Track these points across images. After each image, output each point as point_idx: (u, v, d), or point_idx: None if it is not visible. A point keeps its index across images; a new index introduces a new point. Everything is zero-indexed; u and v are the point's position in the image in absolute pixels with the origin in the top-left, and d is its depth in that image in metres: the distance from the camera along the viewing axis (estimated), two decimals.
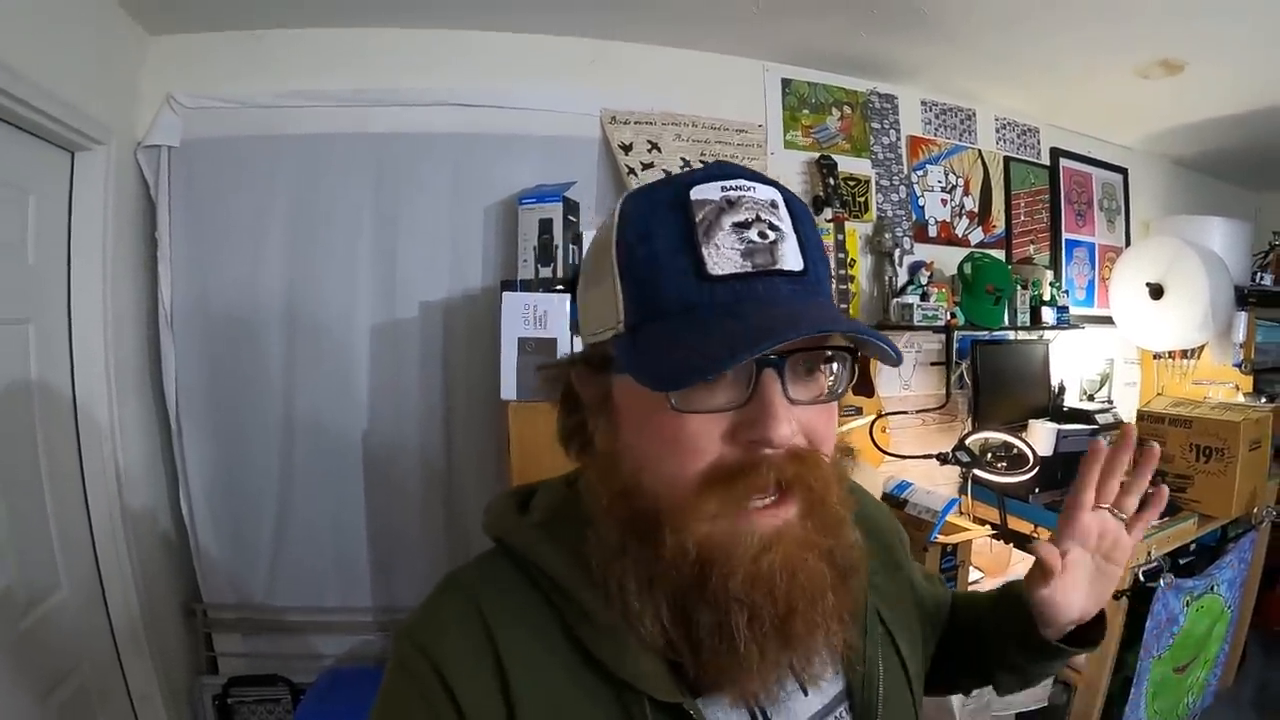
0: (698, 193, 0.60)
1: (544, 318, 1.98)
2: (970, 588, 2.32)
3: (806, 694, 0.68)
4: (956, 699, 2.11)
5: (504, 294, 2.02)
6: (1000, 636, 0.86)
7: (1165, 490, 0.80)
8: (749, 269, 0.57)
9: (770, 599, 0.57)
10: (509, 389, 1.97)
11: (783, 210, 0.61)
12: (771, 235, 0.59)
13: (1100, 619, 0.82)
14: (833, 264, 2.61)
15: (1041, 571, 0.78)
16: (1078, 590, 0.79)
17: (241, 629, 2.44)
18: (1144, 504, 0.80)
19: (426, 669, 0.62)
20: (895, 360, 0.61)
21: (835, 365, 0.62)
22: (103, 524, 2.08)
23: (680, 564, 0.58)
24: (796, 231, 0.61)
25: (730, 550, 0.57)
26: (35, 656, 1.80)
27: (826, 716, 0.70)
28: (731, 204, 0.59)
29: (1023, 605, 0.81)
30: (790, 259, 0.59)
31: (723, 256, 0.57)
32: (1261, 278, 3.77)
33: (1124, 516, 0.79)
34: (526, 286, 2.12)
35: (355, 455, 2.45)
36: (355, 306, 2.40)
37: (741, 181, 0.61)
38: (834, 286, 2.50)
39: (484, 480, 2.45)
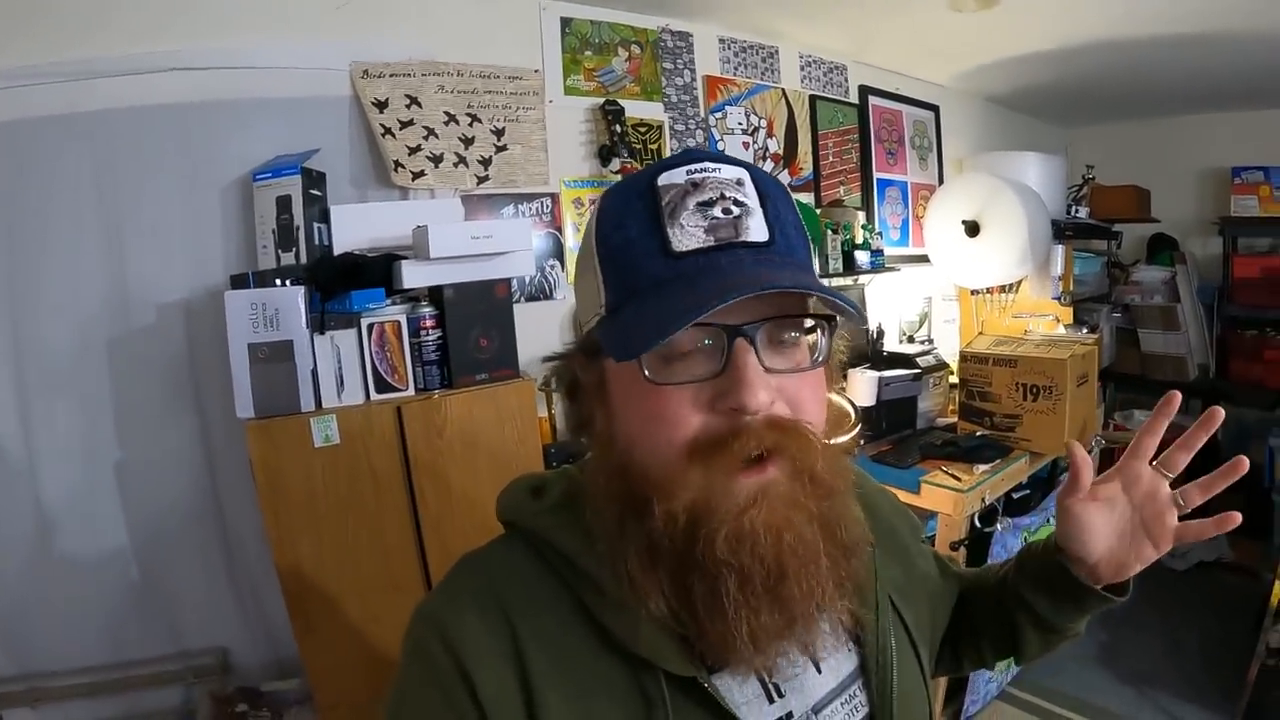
0: (664, 179, 0.64)
1: (275, 317, 1.68)
2: None
3: (820, 671, 0.70)
4: None
5: (228, 294, 1.71)
6: (1026, 588, 0.87)
7: (1243, 461, 0.75)
8: (711, 243, 0.61)
9: (757, 559, 0.58)
10: (244, 406, 1.70)
11: (749, 187, 0.64)
12: (736, 210, 0.62)
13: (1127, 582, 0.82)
14: None
15: (1071, 477, 0.80)
16: (1104, 525, 0.79)
17: (32, 700, 2.11)
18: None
19: (442, 652, 0.64)
20: (860, 320, 0.64)
21: (817, 335, 0.64)
22: None
23: (673, 532, 0.59)
24: (763, 206, 0.64)
25: (715, 509, 0.58)
26: None
27: (840, 694, 0.72)
28: (696, 185, 0.63)
29: (1049, 552, 0.84)
30: (755, 231, 0.62)
31: (686, 234, 0.61)
32: (1076, 211, 3.90)
33: (1168, 474, 0.78)
34: (262, 279, 1.80)
35: (110, 489, 2.14)
36: (87, 318, 2.05)
37: (706, 164, 0.64)
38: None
39: (256, 504, 2.11)
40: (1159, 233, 4.54)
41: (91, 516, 2.12)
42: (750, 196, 0.63)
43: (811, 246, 0.70)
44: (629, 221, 0.64)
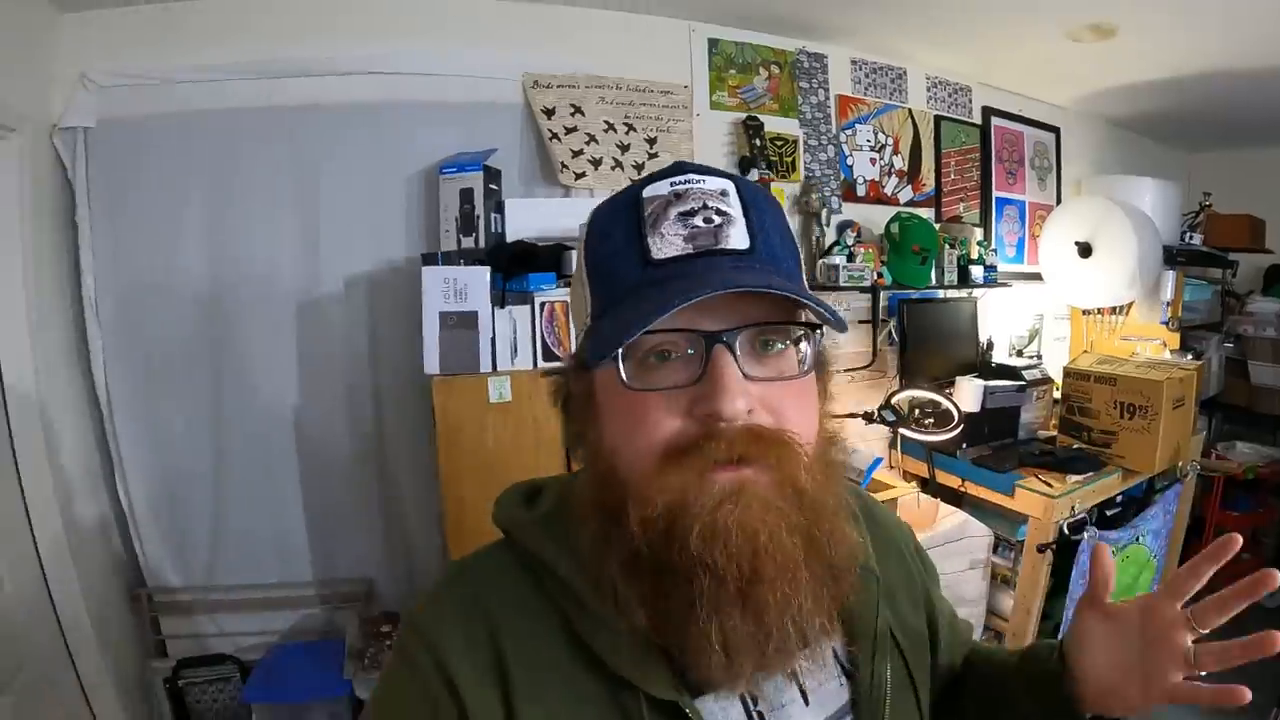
0: (649, 191, 0.64)
1: (464, 291, 1.97)
2: None
3: (808, 704, 0.68)
4: None
5: (424, 269, 2.00)
6: (1019, 684, 0.80)
7: (1274, 575, 0.62)
8: (690, 250, 0.61)
9: (729, 558, 0.56)
10: (432, 363, 1.98)
11: (733, 198, 0.64)
12: (717, 220, 0.62)
13: None
14: None
15: (1090, 585, 0.73)
16: (1105, 645, 0.71)
17: (187, 610, 2.43)
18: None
19: (429, 661, 0.64)
20: (839, 326, 0.64)
21: (803, 345, 0.63)
22: (41, 518, 2.06)
23: (651, 537, 0.58)
24: (746, 215, 0.63)
25: (689, 506, 0.57)
26: None
27: None
28: (679, 196, 0.63)
29: (1051, 663, 0.76)
30: (735, 239, 0.62)
31: (666, 242, 0.61)
32: (1190, 237, 3.87)
33: (1197, 629, 0.65)
34: (448, 259, 2.10)
35: (287, 433, 2.45)
36: (279, 283, 2.37)
37: (691, 176, 0.64)
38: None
39: (415, 453, 2.45)
40: (1277, 264, 4.44)
41: (267, 456, 2.44)
42: (733, 206, 0.63)
43: (802, 256, 0.71)
44: (614, 232, 0.64)
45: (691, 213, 0.62)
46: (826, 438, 0.67)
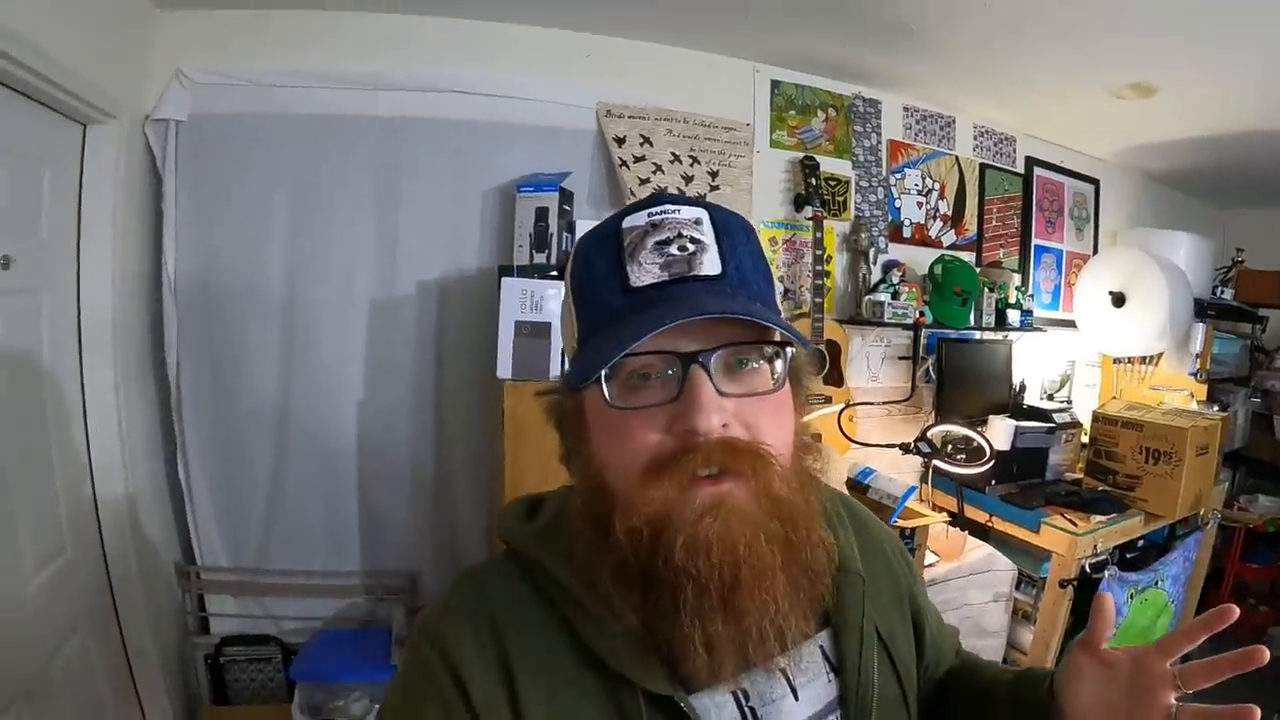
0: (628, 222, 0.69)
1: (540, 303, 2.08)
2: (926, 571, 2.47)
3: (798, 699, 0.72)
4: None
5: (503, 280, 2.10)
6: (1009, 709, 0.82)
7: (1261, 651, 0.63)
8: (665, 277, 0.65)
9: (712, 568, 0.60)
10: (505, 368, 2.07)
11: (706, 225, 0.68)
12: (691, 248, 0.66)
13: None
14: (809, 260, 2.73)
15: (1089, 627, 0.73)
16: (1095, 687, 0.72)
17: (233, 590, 2.50)
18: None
19: (441, 667, 0.67)
20: (806, 348, 0.70)
21: (777, 362, 0.67)
22: (105, 487, 2.14)
23: (638, 548, 0.62)
24: (719, 243, 0.67)
25: (672, 519, 0.61)
26: (42, 618, 1.85)
27: None
28: (655, 226, 0.67)
29: (1041, 692, 0.78)
30: (708, 265, 0.66)
31: (644, 270, 0.65)
32: (1222, 292, 3.94)
33: (1181, 687, 0.67)
34: (522, 272, 2.21)
35: (349, 426, 2.52)
36: (354, 283, 2.46)
37: (667, 206, 0.69)
38: (780, 284, 2.65)
39: (471, 454, 2.54)
40: None
41: (328, 447, 2.51)
42: (707, 234, 0.68)
43: (775, 280, 0.73)
44: (596, 262, 0.68)
45: (667, 241, 0.66)
46: (802, 447, 0.71)
